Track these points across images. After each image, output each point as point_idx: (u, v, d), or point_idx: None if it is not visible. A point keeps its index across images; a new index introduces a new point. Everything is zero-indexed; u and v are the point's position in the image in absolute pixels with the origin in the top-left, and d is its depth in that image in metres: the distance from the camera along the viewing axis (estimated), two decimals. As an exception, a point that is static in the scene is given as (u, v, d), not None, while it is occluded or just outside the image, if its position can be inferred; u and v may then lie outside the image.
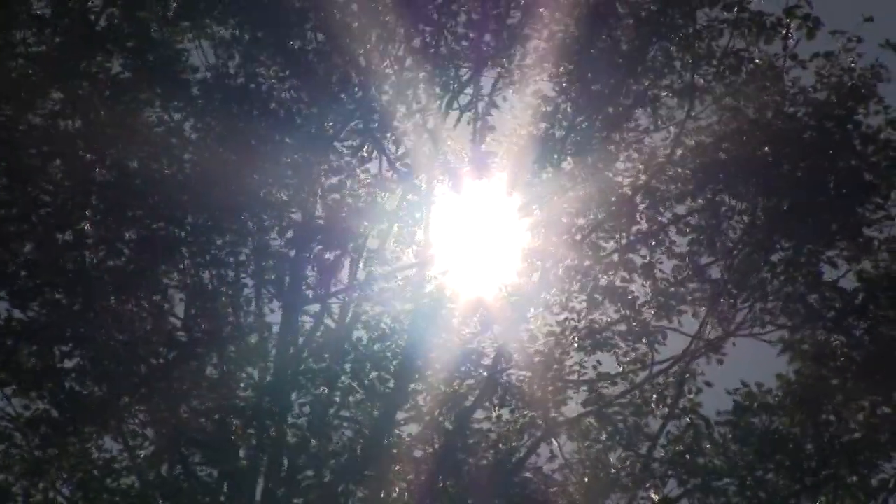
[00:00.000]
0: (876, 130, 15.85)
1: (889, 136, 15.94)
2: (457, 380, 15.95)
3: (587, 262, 16.00)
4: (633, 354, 16.08)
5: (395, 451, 15.65)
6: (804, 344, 15.97)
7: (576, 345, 16.09)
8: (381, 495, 15.50)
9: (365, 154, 16.18)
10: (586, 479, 15.73)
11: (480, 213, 16.00)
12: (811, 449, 15.96)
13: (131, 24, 15.40)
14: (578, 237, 15.93)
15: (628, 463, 15.95)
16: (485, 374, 15.99)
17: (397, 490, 15.60)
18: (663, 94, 16.26)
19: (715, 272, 16.02)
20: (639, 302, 16.02)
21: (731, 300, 16.04)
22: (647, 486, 15.73)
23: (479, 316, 16.10)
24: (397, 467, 15.61)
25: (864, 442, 15.99)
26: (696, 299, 16.04)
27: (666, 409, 16.13)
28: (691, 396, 16.20)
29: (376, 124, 15.97)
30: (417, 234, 16.25)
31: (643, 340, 16.06)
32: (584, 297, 16.12)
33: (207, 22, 15.83)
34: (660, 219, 16.07)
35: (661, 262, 16.06)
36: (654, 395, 16.16)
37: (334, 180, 15.88)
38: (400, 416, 15.95)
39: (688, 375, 16.19)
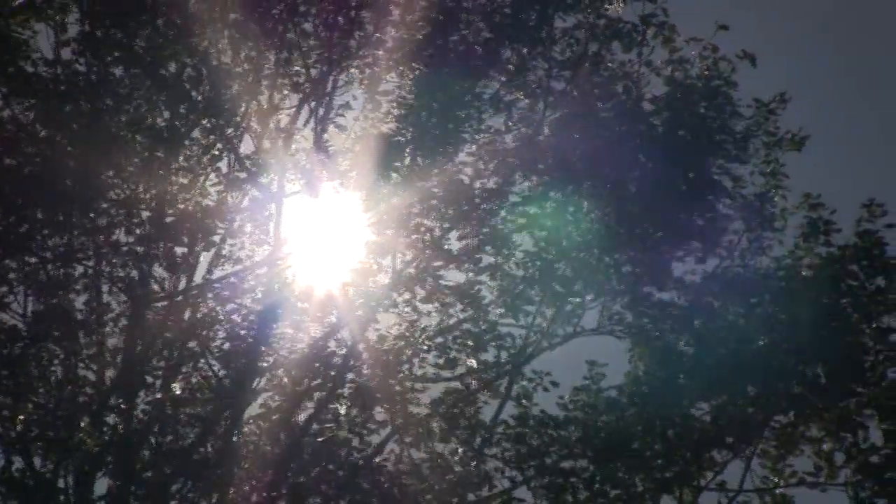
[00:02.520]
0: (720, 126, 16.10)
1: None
2: (306, 378, 15.95)
3: (436, 263, 16.09)
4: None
5: (241, 449, 15.63)
6: (652, 343, 16.11)
7: (425, 346, 16.20)
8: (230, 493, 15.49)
9: (215, 152, 16.16)
10: (429, 482, 15.76)
11: (331, 213, 16.05)
12: (658, 448, 16.08)
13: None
14: (427, 237, 16.01)
15: (461, 453, 16.05)
16: (333, 373, 16.01)
17: (247, 487, 15.58)
18: (517, 95, 16.40)
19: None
20: (485, 301, 16.15)
21: (580, 299, 16.22)
22: (485, 483, 15.80)
23: (330, 314, 16.15)
24: (245, 465, 15.60)
25: (711, 442, 16.15)
26: (543, 299, 16.19)
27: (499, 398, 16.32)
28: (524, 383, 16.29)
29: (226, 122, 15.96)
30: (268, 232, 16.25)
31: (491, 342, 16.20)
32: (434, 298, 16.22)
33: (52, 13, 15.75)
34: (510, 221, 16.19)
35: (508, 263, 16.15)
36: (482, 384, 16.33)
37: (184, 178, 15.90)
38: (248, 413, 15.97)
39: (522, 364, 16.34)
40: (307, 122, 16.27)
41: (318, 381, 16.00)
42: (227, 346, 15.81)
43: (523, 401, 16.07)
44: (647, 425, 16.02)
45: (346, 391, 16.04)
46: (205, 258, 16.31)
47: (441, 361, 16.49)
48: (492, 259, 16.13)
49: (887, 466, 15.20)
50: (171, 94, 15.75)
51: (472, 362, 16.36)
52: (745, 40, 16.71)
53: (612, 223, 15.96)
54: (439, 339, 16.23)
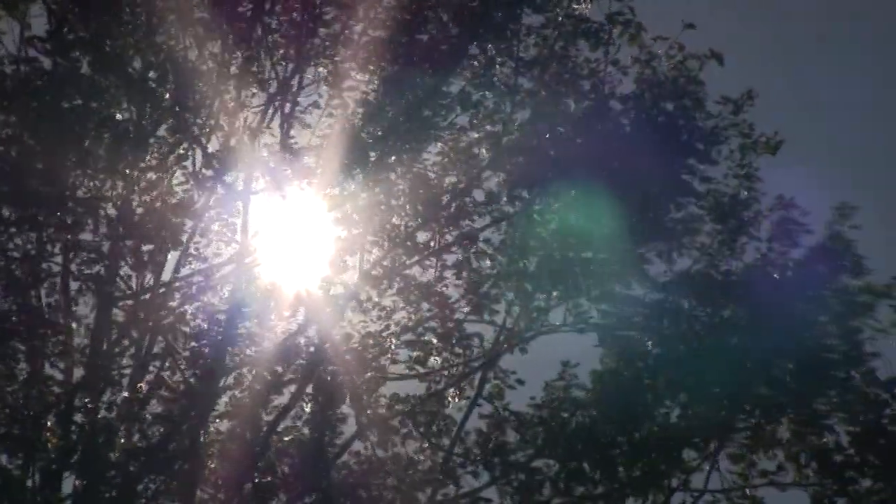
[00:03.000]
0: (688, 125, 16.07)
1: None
2: (272, 377, 15.94)
3: (403, 260, 16.09)
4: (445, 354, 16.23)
5: (209, 448, 15.63)
6: (618, 342, 16.10)
7: (391, 343, 16.19)
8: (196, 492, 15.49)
9: (182, 151, 16.10)
10: (395, 479, 15.78)
11: (298, 211, 16.02)
12: (625, 447, 16.07)
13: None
14: (394, 234, 16.01)
15: (428, 452, 16.05)
16: (301, 371, 15.98)
17: (212, 490, 15.58)
18: (484, 93, 16.34)
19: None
20: (451, 300, 16.15)
21: (546, 296, 16.21)
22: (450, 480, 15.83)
23: (297, 313, 16.14)
24: (211, 465, 15.59)
25: (680, 442, 16.14)
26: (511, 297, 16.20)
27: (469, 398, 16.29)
28: (496, 381, 16.26)
29: (193, 120, 15.89)
30: (235, 230, 16.22)
31: (457, 341, 16.20)
32: (400, 296, 16.22)
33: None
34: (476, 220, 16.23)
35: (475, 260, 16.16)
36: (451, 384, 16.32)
37: (151, 177, 15.85)
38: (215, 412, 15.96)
39: (490, 362, 16.29)
40: (272, 119, 16.21)
41: (285, 378, 16.01)
42: (193, 344, 15.76)
43: (494, 401, 16.11)
44: (615, 424, 16.05)
45: (312, 390, 16.03)
46: (172, 256, 16.26)
47: (413, 355, 16.53)
48: (458, 257, 16.17)
49: (849, 465, 15.24)
50: (137, 91, 15.67)
51: (439, 359, 16.38)
52: (720, 39, 16.73)
53: (579, 221, 15.97)
54: (406, 336, 16.24)
